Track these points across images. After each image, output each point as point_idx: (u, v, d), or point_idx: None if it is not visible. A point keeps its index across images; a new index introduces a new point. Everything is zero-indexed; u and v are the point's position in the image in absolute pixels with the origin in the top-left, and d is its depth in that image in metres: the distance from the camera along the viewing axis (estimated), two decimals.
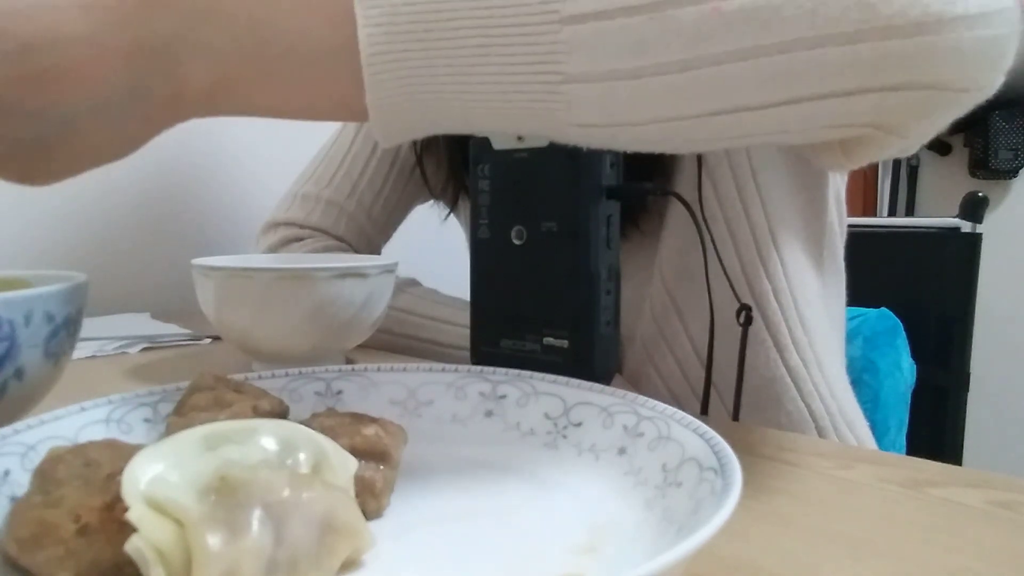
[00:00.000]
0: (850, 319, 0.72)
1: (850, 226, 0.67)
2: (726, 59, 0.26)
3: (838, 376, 0.64)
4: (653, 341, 0.61)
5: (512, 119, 0.28)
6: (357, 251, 0.73)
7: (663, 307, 0.60)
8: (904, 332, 0.98)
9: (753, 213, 0.57)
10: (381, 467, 0.28)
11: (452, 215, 0.75)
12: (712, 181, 0.56)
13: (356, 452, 0.27)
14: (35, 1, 0.25)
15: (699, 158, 0.53)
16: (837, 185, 0.63)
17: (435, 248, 0.98)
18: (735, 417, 0.50)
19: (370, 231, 0.73)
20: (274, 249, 0.71)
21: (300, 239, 0.71)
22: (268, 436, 0.25)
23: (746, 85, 0.26)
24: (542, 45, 0.26)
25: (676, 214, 0.58)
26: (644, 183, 0.52)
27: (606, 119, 0.28)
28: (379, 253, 0.77)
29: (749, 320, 0.49)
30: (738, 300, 0.50)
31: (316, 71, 0.28)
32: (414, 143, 0.70)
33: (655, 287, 0.59)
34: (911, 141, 0.31)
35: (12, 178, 0.29)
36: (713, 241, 0.52)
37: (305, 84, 0.28)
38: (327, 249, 0.70)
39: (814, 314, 0.60)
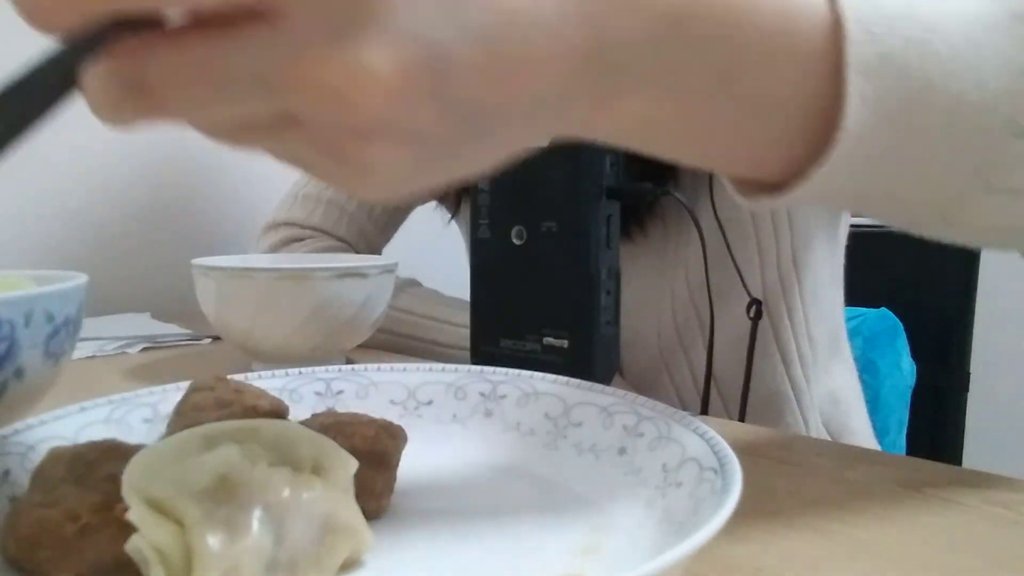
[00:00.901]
0: (850, 319, 0.73)
1: (850, 226, 0.67)
2: None
3: (841, 386, 0.64)
4: (671, 350, 0.61)
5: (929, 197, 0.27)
6: (358, 251, 0.73)
7: (686, 319, 0.60)
8: (904, 332, 0.98)
9: (782, 236, 0.57)
10: (381, 467, 0.28)
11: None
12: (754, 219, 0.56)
13: (356, 452, 0.27)
14: None
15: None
16: None
17: (435, 248, 0.98)
18: (741, 418, 0.50)
19: (371, 231, 0.73)
20: (275, 249, 0.71)
21: (301, 239, 0.71)
22: (268, 436, 0.25)
23: None
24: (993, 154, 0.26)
25: (707, 229, 0.57)
26: (644, 183, 0.52)
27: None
28: (379, 253, 0.76)
29: (759, 315, 0.49)
30: (750, 295, 0.49)
31: (778, 124, 0.25)
32: None
33: (680, 298, 0.59)
34: None
35: (368, 187, 0.22)
36: (735, 262, 0.52)
37: (756, 137, 0.26)
38: (328, 249, 0.70)
39: (822, 331, 0.62)
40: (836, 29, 0.24)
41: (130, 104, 0.18)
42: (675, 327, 0.60)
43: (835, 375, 0.65)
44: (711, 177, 0.53)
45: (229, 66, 0.18)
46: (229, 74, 0.18)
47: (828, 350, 0.64)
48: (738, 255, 0.55)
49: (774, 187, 0.27)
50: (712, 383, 0.58)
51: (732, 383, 0.58)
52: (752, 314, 0.49)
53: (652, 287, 0.60)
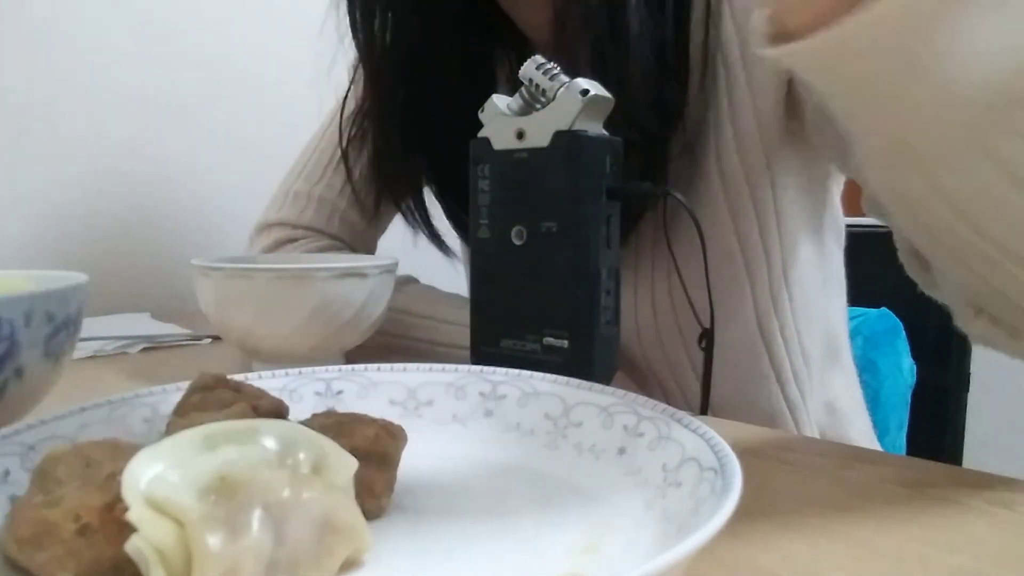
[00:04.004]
0: (850, 319, 0.73)
1: (850, 226, 0.67)
2: None
3: (839, 395, 0.65)
4: (659, 367, 0.61)
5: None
6: (352, 247, 0.73)
7: (669, 333, 0.60)
8: (904, 332, 0.98)
9: (773, 256, 0.57)
10: (381, 467, 0.28)
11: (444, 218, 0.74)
12: (733, 218, 0.56)
13: (356, 452, 0.27)
14: None
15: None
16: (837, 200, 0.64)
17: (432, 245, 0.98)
18: (703, 411, 0.50)
19: (363, 226, 0.72)
20: (268, 251, 0.71)
21: (294, 239, 0.70)
22: (268, 436, 0.25)
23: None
24: None
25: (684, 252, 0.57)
26: (644, 183, 0.52)
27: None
28: (374, 246, 0.76)
29: (710, 345, 0.50)
30: (701, 324, 0.50)
31: None
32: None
33: (663, 314, 0.59)
34: None
35: None
36: (709, 288, 0.52)
37: None
38: (321, 248, 0.70)
39: (815, 343, 0.61)
40: None
41: None
42: (660, 345, 0.60)
43: (831, 385, 0.64)
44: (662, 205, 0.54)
45: None
46: None
47: (824, 360, 0.64)
48: (725, 279, 0.56)
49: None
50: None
51: (728, 408, 0.59)
52: (703, 346, 0.49)
53: (627, 297, 0.60)
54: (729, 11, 0.52)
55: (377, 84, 0.63)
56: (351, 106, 0.67)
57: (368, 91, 0.64)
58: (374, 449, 0.28)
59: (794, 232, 0.58)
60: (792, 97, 0.53)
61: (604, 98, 0.43)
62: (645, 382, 0.62)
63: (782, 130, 0.54)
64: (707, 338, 0.49)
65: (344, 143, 0.68)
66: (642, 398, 0.32)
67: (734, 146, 0.54)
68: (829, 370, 0.65)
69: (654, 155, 0.52)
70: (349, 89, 0.68)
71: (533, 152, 0.43)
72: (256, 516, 0.21)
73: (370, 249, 0.76)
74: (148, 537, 0.20)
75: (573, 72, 0.44)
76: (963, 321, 0.36)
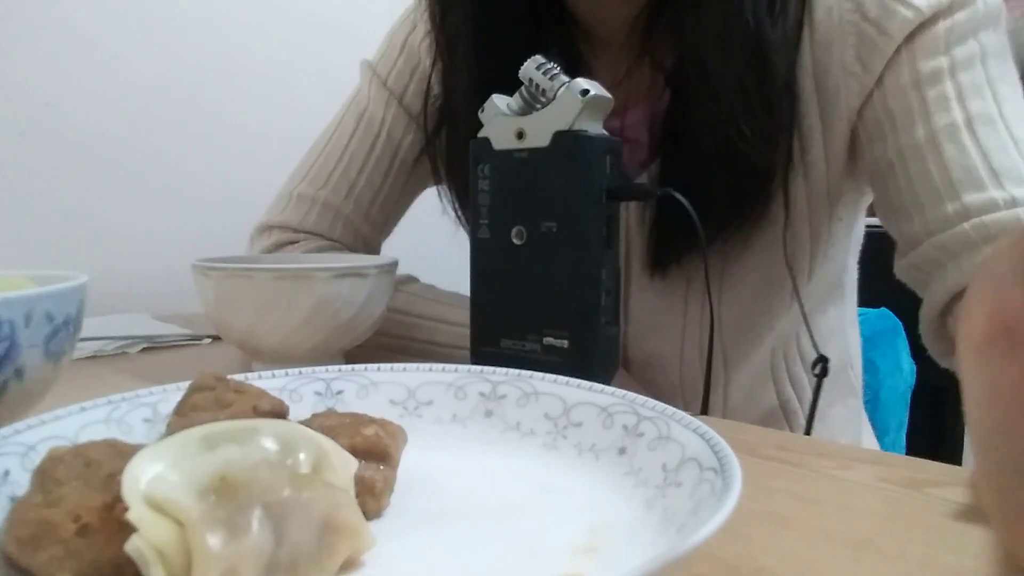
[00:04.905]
0: None
1: None
2: None
3: (832, 402, 0.66)
4: (693, 385, 0.62)
5: None
6: (354, 252, 0.72)
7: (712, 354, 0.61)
8: (904, 332, 0.98)
9: (814, 281, 0.60)
10: (381, 467, 0.28)
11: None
12: (790, 244, 0.56)
13: (356, 452, 0.27)
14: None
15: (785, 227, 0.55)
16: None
17: (434, 243, 0.98)
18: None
19: (367, 232, 0.72)
20: (268, 253, 0.70)
21: (294, 242, 0.70)
22: (268, 436, 0.25)
23: None
24: None
25: (759, 273, 0.58)
26: (644, 183, 0.52)
27: None
28: (378, 251, 0.76)
29: (824, 372, 0.52)
30: (818, 351, 0.52)
31: None
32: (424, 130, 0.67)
33: (707, 337, 0.60)
34: None
35: None
36: (802, 307, 0.54)
37: None
38: (321, 250, 0.69)
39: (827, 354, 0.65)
40: None
41: None
42: (701, 366, 0.61)
43: (830, 401, 0.66)
44: (785, 227, 0.54)
45: None
46: None
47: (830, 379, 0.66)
48: (772, 301, 0.58)
49: None
50: (724, 411, 0.61)
51: (740, 415, 0.61)
52: (817, 371, 0.50)
53: (677, 314, 0.60)
54: (809, 41, 0.51)
55: (450, 64, 0.61)
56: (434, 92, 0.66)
57: (442, 75, 0.63)
58: (374, 449, 0.28)
59: (834, 257, 0.60)
60: (855, 139, 0.53)
61: (604, 98, 0.43)
62: (667, 394, 0.63)
63: (844, 167, 0.54)
64: (709, 338, 0.49)
65: (429, 131, 0.66)
66: (642, 398, 0.32)
67: (801, 173, 0.54)
68: (831, 380, 0.66)
69: (775, 174, 0.53)
70: (431, 78, 0.66)
71: (533, 152, 0.43)
72: (256, 516, 0.21)
73: (373, 252, 0.75)
74: (148, 537, 0.20)
75: (710, 95, 0.44)
76: None
